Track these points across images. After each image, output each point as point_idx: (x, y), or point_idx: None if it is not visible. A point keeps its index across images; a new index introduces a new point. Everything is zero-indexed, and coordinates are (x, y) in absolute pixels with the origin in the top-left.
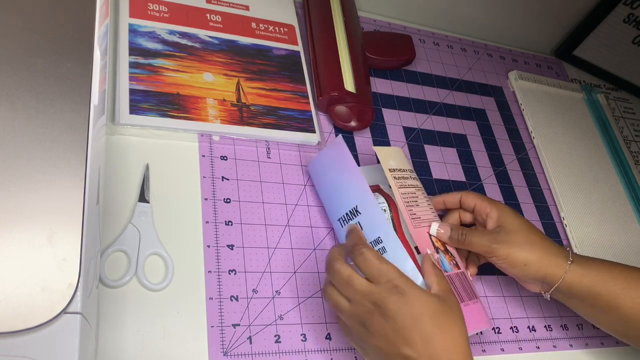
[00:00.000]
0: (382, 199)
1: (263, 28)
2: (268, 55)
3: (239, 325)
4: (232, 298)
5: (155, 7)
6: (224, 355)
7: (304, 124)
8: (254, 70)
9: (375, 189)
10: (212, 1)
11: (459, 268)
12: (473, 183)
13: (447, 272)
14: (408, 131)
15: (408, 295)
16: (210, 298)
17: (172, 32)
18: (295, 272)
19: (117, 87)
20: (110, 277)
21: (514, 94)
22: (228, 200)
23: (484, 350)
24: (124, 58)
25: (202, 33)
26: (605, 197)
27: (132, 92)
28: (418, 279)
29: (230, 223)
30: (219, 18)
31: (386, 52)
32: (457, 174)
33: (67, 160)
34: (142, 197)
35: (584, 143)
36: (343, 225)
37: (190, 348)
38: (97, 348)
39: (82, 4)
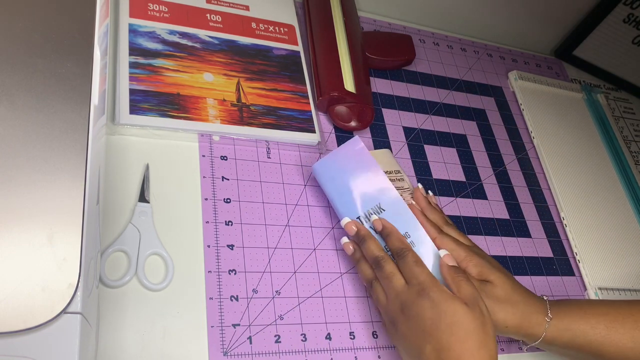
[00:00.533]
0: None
1: (263, 28)
2: (268, 55)
3: (239, 325)
4: (232, 298)
5: (155, 7)
6: (224, 355)
7: (304, 124)
8: (254, 70)
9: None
10: (212, 1)
11: None
12: (473, 183)
13: None
14: (408, 131)
15: (432, 300)
16: (210, 298)
17: (172, 32)
18: (295, 272)
19: (117, 87)
20: (110, 277)
21: (514, 94)
22: (228, 200)
23: None
24: (124, 58)
25: (202, 33)
26: (605, 197)
27: (132, 92)
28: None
29: (230, 223)
30: (219, 18)
31: (386, 52)
32: (457, 174)
33: (67, 160)
34: (142, 197)
35: (584, 143)
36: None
37: (190, 348)
38: (97, 348)
39: (82, 4)
